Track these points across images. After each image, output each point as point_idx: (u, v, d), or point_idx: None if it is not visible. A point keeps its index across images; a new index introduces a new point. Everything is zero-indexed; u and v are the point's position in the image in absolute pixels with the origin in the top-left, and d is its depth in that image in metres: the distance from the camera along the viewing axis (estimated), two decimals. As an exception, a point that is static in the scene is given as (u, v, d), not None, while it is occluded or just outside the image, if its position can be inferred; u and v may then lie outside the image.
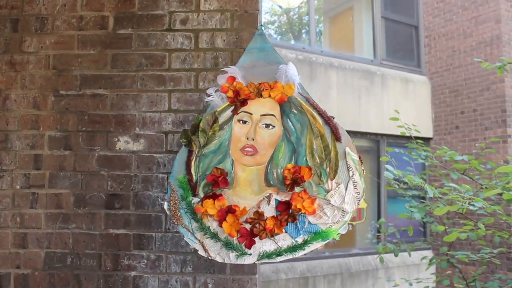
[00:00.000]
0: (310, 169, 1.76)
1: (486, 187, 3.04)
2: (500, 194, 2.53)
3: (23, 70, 2.20)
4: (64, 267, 2.10)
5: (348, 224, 1.77)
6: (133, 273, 2.07)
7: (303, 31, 7.71)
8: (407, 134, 3.71)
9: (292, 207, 1.74)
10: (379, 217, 6.91)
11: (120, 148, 2.13)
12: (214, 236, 1.78)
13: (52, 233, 2.11)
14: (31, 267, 2.11)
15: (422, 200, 3.59)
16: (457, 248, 5.96)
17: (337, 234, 1.73)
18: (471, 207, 2.49)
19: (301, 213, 1.73)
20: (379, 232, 6.37)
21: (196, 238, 1.79)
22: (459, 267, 3.65)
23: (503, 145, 6.65)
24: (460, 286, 3.70)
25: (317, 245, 1.73)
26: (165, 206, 1.84)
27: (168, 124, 2.12)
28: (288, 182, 1.76)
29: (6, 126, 2.18)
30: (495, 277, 3.97)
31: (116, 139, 2.14)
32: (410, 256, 3.92)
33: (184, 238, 1.81)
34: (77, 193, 2.13)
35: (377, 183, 7.02)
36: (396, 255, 3.59)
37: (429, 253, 6.41)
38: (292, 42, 7.59)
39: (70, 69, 2.19)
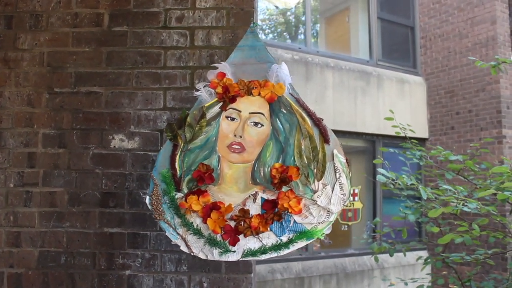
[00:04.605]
0: (298, 169, 1.75)
1: (480, 187, 3.04)
2: (495, 194, 2.53)
3: (17, 67, 2.19)
4: (58, 266, 2.08)
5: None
6: (127, 272, 2.06)
7: (299, 31, 7.72)
8: (402, 134, 3.71)
9: (279, 206, 1.73)
10: (374, 217, 6.91)
11: (114, 146, 2.12)
12: (198, 232, 1.76)
13: (46, 231, 2.10)
14: (25, 266, 2.09)
15: (418, 200, 3.58)
16: (452, 248, 5.97)
17: (322, 234, 1.73)
18: (465, 209, 2.49)
19: (287, 212, 1.72)
20: (374, 232, 6.37)
21: (178, 233, 1.77)
22: (454, 267, 3.65)
23: (498, 145, 6.68)
24: (455, 286, 3.70)
25: (302, 244, 1.73)
26: (147, 201, 1.80)
27: (163, 122, 2.11)
28: (276, 181, 1.75)
29: (-1, 124, 2.16)
30: (490, 277, 3.98)
31: (111, 137, 2.13)
32: (405, 256, 3.92)
33: (166, 234, 1.79)
34: (72, 192, 2.11)
35: (372, 183, 7.03)
36: (391, 255, 3.59)
37: (424, 253, 6.42)
38: (288, 42, 7.58)
39: (65, 66, 2.17)
